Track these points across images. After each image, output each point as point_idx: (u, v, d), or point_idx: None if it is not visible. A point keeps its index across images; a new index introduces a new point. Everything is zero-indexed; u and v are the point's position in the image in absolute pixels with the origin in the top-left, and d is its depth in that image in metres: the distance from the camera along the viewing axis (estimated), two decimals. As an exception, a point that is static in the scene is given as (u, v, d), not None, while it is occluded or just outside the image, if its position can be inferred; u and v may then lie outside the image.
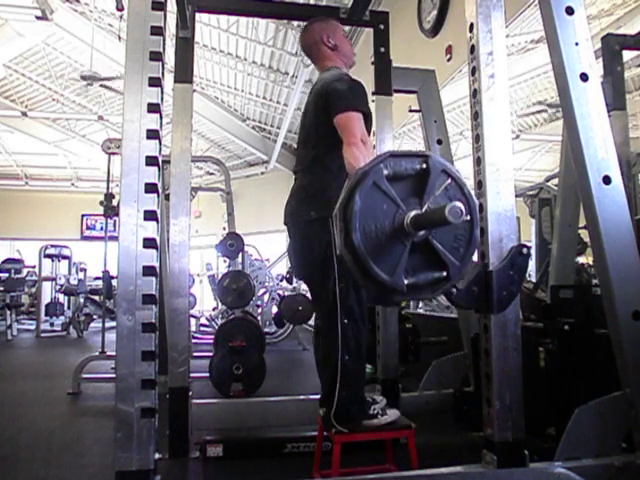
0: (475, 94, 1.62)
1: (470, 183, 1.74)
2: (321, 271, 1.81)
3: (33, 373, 4.82)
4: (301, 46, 2.16)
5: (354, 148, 1.67)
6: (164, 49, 1.54)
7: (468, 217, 1.28)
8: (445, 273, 1.30)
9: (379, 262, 1.24)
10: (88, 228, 13.06)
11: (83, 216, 12.94)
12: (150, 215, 1.46)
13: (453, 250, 1.31)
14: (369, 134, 1.83)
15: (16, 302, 7.86)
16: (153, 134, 1.48)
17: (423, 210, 1.28)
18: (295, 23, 6.40)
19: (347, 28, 6.30)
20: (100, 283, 6.45)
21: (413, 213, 1.26)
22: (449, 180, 1.31)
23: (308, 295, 5.98)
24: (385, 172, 1.26)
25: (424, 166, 1.30)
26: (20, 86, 9.10)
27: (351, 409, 1.75)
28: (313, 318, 2.07)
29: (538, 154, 10.13)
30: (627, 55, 3.01)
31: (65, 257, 8.93)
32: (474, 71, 1.62)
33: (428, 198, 1.29)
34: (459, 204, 1.12)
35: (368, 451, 1.98)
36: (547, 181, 4.77)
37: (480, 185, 1.60)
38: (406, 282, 1.27)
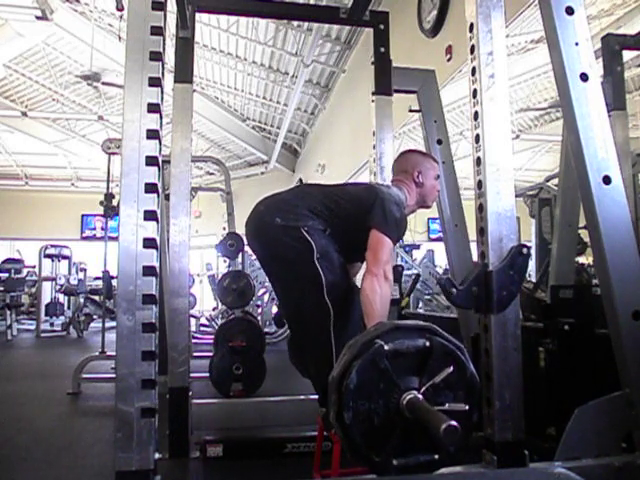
0: (475, 94, 1.62)
1: (470, 183, 1.75)
2: (300, 281, 1.79)
3: (33, 373, 4.82)
4: (393, 164, 2.18)
5: (375, 281, 1.67)
6: (164, 49, 1.54)
7: (467, 407, 1.25)
8: (437, 456, 1.26)
9: (368, 441, 1.22)
10: (88, 228, 13.06)
11: (83, 216, 12.95)
12: (150, 215, 1.45)
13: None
14: None
15: (16, 302, 7.86)
16: (153, 134, 1.48)
17: (421, 393, 1.23)
18: (295, 23, 6.41)
19: (347, 28, 6.32)
20: (100, 283, 6.45)
21: (410, 397, 1.22)
22: (451, 368, 1.26)
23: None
24: (386, 348, 1.22)
25: (427, 344, 1.26)
26: (20, 86, 9.11)
27: None
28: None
29: (538, 154, 10.14)
30: (627, 55, 3.01)
31: (65, 257, 8.94)
32: (474, 71, 1.62)
33: (427, 381, 1.25)
34: (454, 426, 1.08)
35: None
36: (547, 181, 4.77)
37: (480, 185, 1.60)
38: (395, 463, 1.23)
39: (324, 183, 2.12)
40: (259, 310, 6.88)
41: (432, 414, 1.17)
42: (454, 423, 1.09)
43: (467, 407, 1.25)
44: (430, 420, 1.16)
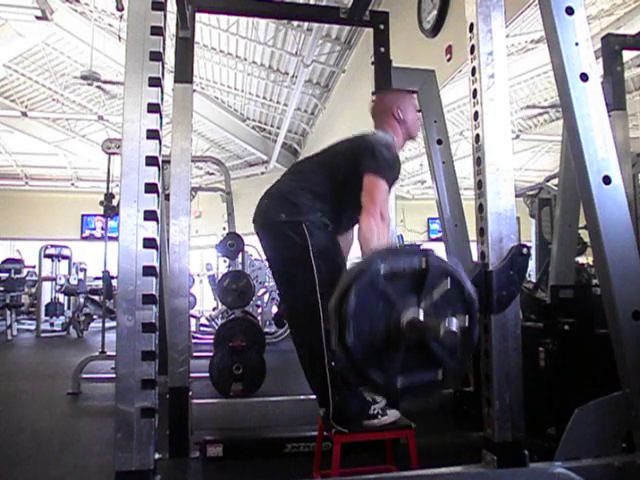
0: (475, 94, 1.62)
1: (470, 183, 1.75)
2: (299, 275, 1.79)
3: (33, 373, 4.82)
4: (370, 110, 2.16)
5: (372, 220, 1.66)
6: (164, 49, 1.54)
7: (466, 322, 1.25)
8: (441, 375, 1.27)
9: (372, 363, 1.22)
10: (88, 228, 13.06)
11: (83, 216, 12.94)
12: (150, 215, 1.46)
13: (450, 351, 1.26)
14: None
15: (16, 302, 7.85)
16: (153, 134, 1.48)
17: (421, 309, 1.23)
18: (295, 23, 6.41)
19: (347, 28, 6.31)
20: (100, 283, 6.45)
21: (409, 317, 1.22)
22: (448, 284, 1.27)
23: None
24: (382, 270, 1.22)
25: (423, 265, 1.26)
26: (20, 86, 9.10)
27: (350, 409, 1.74)
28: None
29: (538, 154, 10.14)
30: (627, 55, 3.01)
31: (65, 257, 8.94)
32: (474, 71, 1.62)
33: (425, 299, 1.25)
34: (455, 327, 1.09)
35: (368, 451, 1.98)
36: (547, 181, 4.77)
37: (480, 185, 1.60)
38: (400, 384, 1.24)
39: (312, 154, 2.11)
40: (259, 310, 6.87)
41: (429, 327, 1.18)
42: (452, 326, 1.10)
43: (466, 323, 1.25)
44: (429, 329, 1.16)
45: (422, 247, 1.31)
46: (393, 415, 1.79)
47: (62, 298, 8.50)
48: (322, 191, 1.84)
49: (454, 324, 1.11)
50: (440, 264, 1.28)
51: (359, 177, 1.77)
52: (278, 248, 1.87)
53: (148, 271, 1.44)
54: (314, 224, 1.78)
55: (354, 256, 1.80)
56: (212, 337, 4.51)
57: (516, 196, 1.71)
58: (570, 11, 1.66)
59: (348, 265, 1.32)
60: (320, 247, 1.76)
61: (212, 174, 11.98)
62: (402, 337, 1.23)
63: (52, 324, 8.24)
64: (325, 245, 1.77)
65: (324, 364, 1.71)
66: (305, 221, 1.77)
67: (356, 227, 1.79)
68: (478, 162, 1.61)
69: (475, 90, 1.62)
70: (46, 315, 8.20)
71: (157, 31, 1.52)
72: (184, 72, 2.43)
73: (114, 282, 4.92)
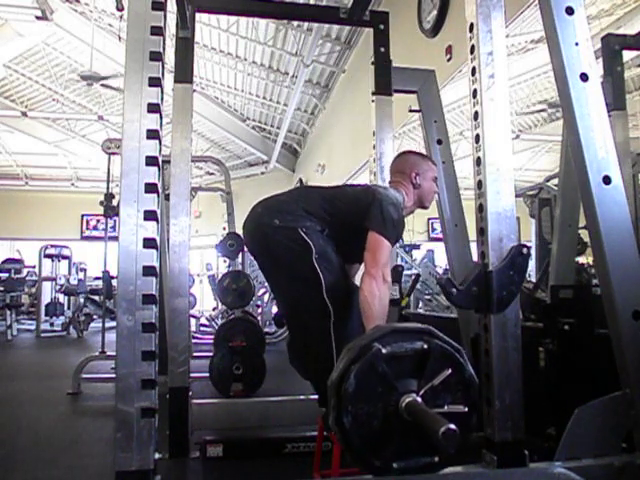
0: (475, 94, 1.62)
1: (470, 183, 1.75)
2: (300, 280, 1.79)
3: (33, 373, 4.83)
4: (391, 165, 2.17)
5: (373, 282, 1.67)
6: (164, 49, 1.54)
7: (466, 409, 1.25)
8: (437, 458, 1.26)
9: (368, 444, 1.21)
10: (88, 228, 13.06)
11: (83, 216, 12.95)
12: (150, 215, 1.45)
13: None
14: None
15: (16, 302, 7.86)
16: (153, 134, 1.48)
17: (419, 395, 1.23)
18: (295, 23, 6.41)
19: (347, 28, 6.32)
20: (100, 283, 6.45)
21: (408, 400, 1.22)
22: (449, 370, 1.26)
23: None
24: (384, 351, 1.22)
25: (425, 347, 1.25)
26: (20, 86, 9.11)
27: None
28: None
29: (538, 154, 10.14)
30: (627, 55, 3.01)
31: (65, 257, 8.94)
32: (474, 71, 1.62)
33: (426, 383, 1.25)
34: (452, 429, 1.08)
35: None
36: (547, 181, 4.77)
37: (480, 185, 1.60)
38: (395, 466, 1.23)
39: (324, 185, 2.13)
40: (259, 310, 6.87)
41: (430, 417, 1.17)
42: (452, 426, 1.09)
43: (466, 409, 1.25)
44: (429, 423, 1.15)
45: (423, 327, 1.31)
46: None
47: (62, 298, 8.50)
48: (319, 215, 1.84)
49: (451, 430, 1.09)
50: (442, 347, 1.27)
51: (360, 227, 1.78)
52: (272, 252, 1.85)
53: (148, 271, 1.44)
54: (310, 229, 1.79)
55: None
56: (212, 337, 4.51)
57: (516, 196, 1.71)
58: (570, 11, 1.66)
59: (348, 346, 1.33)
60: (320, 249, 1.76)
61: (212, 174, 11.98)
62: (399, 421, 1.23)
63: (52, 324, 8.24)
64: (324, 248, 1.78)
65: (332, 362, 1.71)
66: (301, 227, 1.77)
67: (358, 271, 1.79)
68: (478, 162, 1.61)
69: (475, 90, 1.62)
70: (46, 315, 8.20)
71: (157, 31, 1.52)
72: (184, 72, 2.43)
73: (114, 282, 4.92)
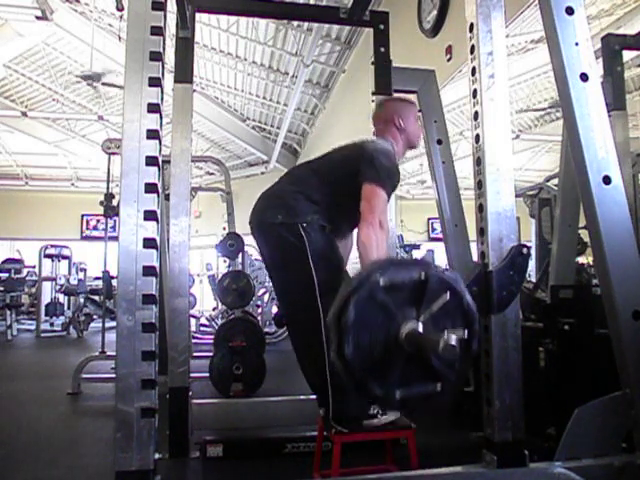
0: (475, 94, 1.62)
1: (470, 183, 1.75)
2: (296, 278, 1.79)
3: (33, 373, 4.82)
4: (373, 117, 2.16)
5: (370, 229, 1.65)
6: (164, 49, 1.54)
7: (466, 334, 1.24)
8: (439, 387, 1.26)
9: (371, 375, 1.21)
10: (88, 228, 13.06)
11: (83, 216, 12.94)
12: (150, 215, 1.46)
13: (449, 365, 1.26)
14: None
15: (16, 302, 7.85)
16: (153, 134, 1.48)
17: (420, 322, 1.23)
18: (295, 23, 6.41)
19: (347, 28, 6.31)
20: (100, 283, 6.44)
21: (409, 329, 1.22)
22: (447, 296, 1.26)
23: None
24: (382, 283, 1.22)
25: (422, 277, 1.25)
26: (20, 86, 9.10)
27: (350, 409, 1.74)
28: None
29: (538, 154, 10.14)
30: (627, 55, 3.01)
31: (65, 257, 8.93)
32: (474, 71, 1.62)
33: (425, 311, 1.25)
34: (454, 341, 1.09)
35: (368, 451, 1.98)
36: (547, 181, 4.77)
37: (480, 185, 1.60)
38: (398, 396, 1.23)
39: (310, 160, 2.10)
40: (259, 310, 6.87)
41: (429, 340, 1.17)
42: (452, 340, 1.09)
43: (466, 334, 1.24)
44: (428, 343, 1.16)
45: (422, 257, 1.32)
46: (393, 415, 1.79)
47: (62, 298, 8.49)
48: (318, 198, 1.83)
49: (453, 338, 1.10)
50: (439, 276, 1.27)
51: (357, 185, 1.76)
52: (275, 250, 1.86)
53: (148, 271, 1.44)
54: (311, 225, 1.78)
55: (353, 264, 1.80)
56: (212, 337, 4.51)
57: (516, 196, 1.71)
58: (570, 11, 1.66)
59: (348, 275, 1.30)
60: (317, 249, 1.75)
61: (212, 174, 11.98)
62: (401, 349, 1.22)
63: (52, 324, 8.23)
64: (322, 247, 1.77)
65: (324, 364, 1.71)
66: (302, 222, 1.77)
67: (355, 234, 1.79)
68: (478, 162, 1.61)
69: (475, 90, 1.62)
70: (46, 315, 8.19)
71: (157, 31, 1.52)
72: (184, 72, 2.43)
73: (114, 282, 4.92)
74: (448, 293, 1.26)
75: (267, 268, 2.04)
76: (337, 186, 1.85)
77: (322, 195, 1.84)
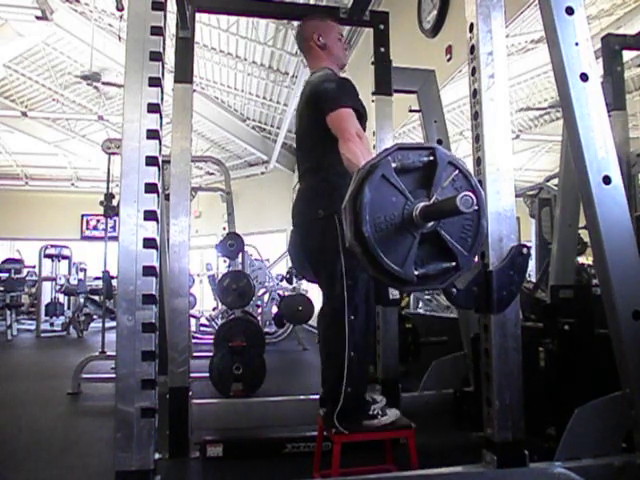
0: (475, 94, 1.62)
1: (470, 183, 1.74)
2: (328, 267, 1.81)
3: (33, 373, 4.82)
4: (296, 42, 2.18)
5: (350, 144, 1.66)
6: (164, 49, 1.54)
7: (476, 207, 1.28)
8: (454, 263, 1.31)
9: (389, 253, 1.25)
10: (88, 228, 13.06)
11: (83, 216, 12.95)
12: (150, 215, 1.46)
13: (461, 240, 1.32)
14: (365, 132, 1.83)
15: (16, 302, 7.85)
16: (153, 134, 1.48)
17: (431, 201, 1.28)
18: (295, 23, 6.40)
19: (347, 28, 6.31)
20: (100, 283, 6.44)
21: (422, 204, 1.27)
22: (456, 171, 1.32)
23: (308, 295, 6.02)
24: (393, 165, 1.27)
25: (431, 158, 1.30)
26: (20, 86, 9.10)
27: (352, 409, 1.74)
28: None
29: (538, 154, 10.13)
30: (627, 55, 3.01)
31: (65, 257, 8.93)
32: (474, 71, 1.62)
33: (436, 189, 1.29)
34: (469, 193, 1.13)
35: (368, 451, 1.98)
36: (547, 181, 4.76)
37: (480, 185, 1.59)
38: (416, 273, 1.27)
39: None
40: (259, 310, 6.87)
41: (445, 201, 1.22)
42: (467, 192, 1.13)
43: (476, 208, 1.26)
44: (445, 205, 1.20)
45: (427, 144, 1.36)
46: (393, 415, 1.79)
47: (62, 298, 8.49)
48: (330, 160, 1.82)
49: (467, 193, 1.13)
50: (447, 156, 1.32)
51: (325, 125, 1.76)
52: (315, 243, 1.87)
53: (148, 271, 1.44)
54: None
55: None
56: (212, 337, 4.50)
57: (516, 196, 1.71)
58: (570, 11, 1.66)
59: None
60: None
61: (212, 174, 11.98)
62: (416, 228, 1.27)
63: (52, 324, 8.24)
64: None
65: (344, 356, 1.71)
66: (337, 211, 1.77)
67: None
68: (478, 162, 1.61)
69: (475, 90, 1.62)
70: (46, 315, 8.20)
71: (157, 31, 1.52)
72: (184, 72, 2.43)
73: (114, 282, 4.92)
74: (457, 170, 1.32)
75: (298, 263, 2.05)
76: (321, 141, 1.84)
77: (325, 153, 1.84)
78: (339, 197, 1.74)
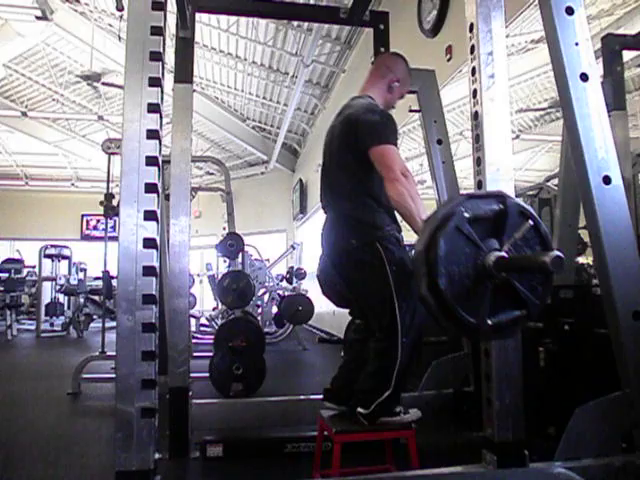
0: (475, 94, 1.62)
1: (470, 183, 1.75)
2: (376, 295, 1.78)
3: (33, 373, 4.82)
4: (377, 59, 2.15)
5: (397, 184, 1.66)
6: (164, 49, 1.54)
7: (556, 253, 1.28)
8: (525, 311, 1.31)
9: (463, 305, 1.25)
10: (88, 228, 13.06)
11: (83, 216, 12.95)
12: (150, 215, 1.46)
13: (532, 289, 1.31)
14: None
15: (16, 302, 7.85)
16: (153, 134, 1.48)
17: (503, 251, 1.28)
18: (295, 23, 6.41)
19: (347, 28, 6.31)
20: (100, 283, 6.44)
21: (496, 255, 1.27)
22: (530, 222, 1.32)
23: (308, 295, 6.02)
24: (466, 215, 1.27)
25: (501, 206, 1.30)
26: (20, 86, 9.10)
27: (393, 401, 1.75)
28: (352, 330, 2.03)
29: (538, 154, 10.13)
30: (627, 55, 3.01)
31: (65, 257, 8.93)
32: (474, 71, 1.62)
33: (508, 239, 1.30)
34: (559, 254, 1.13)
35: (368, 451, 1.98)
36: (547, 181, 4.77)
37: (480, 185, 1.60)
38: (489, 322, 1.28)
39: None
40: (259, 310, 6.87)
41: (531, 258, 1.24)
42: (557, 252, 1.14)
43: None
44: (531, 261, 1.22)
45: (496, 191, 1.38)
46: (415, 414, 1.78)
47: (62, 298, 8.49)
48: (363, 189, 1.82)
49: (556, 254, 1.14)
50: (517, 205, 1.33)
51: (364, 154, 1.76)
52: (355, 274, 1.84)
53: (148, 271, 1.44)
54: (386, 239, 1.77)
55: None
56: (212, 337, 4.50)
57: (516, 196, 1.71)
58: (570, 11, 1.66)
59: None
60: (396, 262, 1.74)
61: (212, 174, 11.98)
62: (489, 278, 1.27)
63: (52, 324, 8.23)
64: (400, 259, 1.76)
65: (393, 371, 1.72)
66: (377, 239, 1.76)
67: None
68: (478, 162, 1.61)
69: (475, 90, 1.62)
70: (46, 315, 8.19)
71: (157, 31, 1.52)
72: (184, 72, 2.43)
73: (114, 282, 4.92)
74: (530, 221, 1.32)
75: (334, 292, 2.01)
76: (359, 167, 1.82)
77: (360, 182, 1.83)
78: (374, 224, 1.77)
